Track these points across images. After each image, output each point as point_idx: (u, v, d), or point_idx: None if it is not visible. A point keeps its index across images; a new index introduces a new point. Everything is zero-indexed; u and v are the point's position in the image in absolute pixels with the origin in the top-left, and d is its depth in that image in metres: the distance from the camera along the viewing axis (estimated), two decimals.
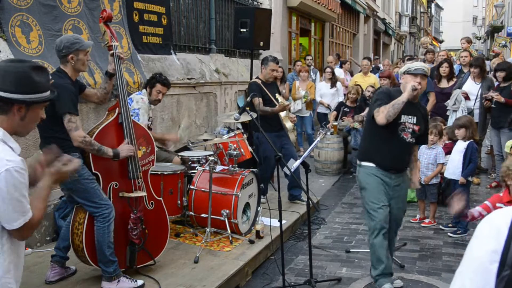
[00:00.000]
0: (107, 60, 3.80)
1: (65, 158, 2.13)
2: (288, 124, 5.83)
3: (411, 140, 3.73)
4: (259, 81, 5.79)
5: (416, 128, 3.73)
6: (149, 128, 4.60)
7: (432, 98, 7.14)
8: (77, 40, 3.43)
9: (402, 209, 3.98)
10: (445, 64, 7.50)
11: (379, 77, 7.81)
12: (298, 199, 5.94)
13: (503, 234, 1.17)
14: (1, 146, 1.92)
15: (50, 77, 3.39)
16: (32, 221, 1.97)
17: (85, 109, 4.82)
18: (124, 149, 3.55)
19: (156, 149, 4.04)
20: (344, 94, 8.87)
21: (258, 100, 5.45)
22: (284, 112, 5.87)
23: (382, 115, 3.56)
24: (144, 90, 4.72)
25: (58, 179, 2.12)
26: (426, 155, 5.53)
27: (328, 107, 8.88)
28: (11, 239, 1.98)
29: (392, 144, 3.69)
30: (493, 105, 6.72)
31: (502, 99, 6.52)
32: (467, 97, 7.10)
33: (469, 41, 9.11)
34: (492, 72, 9.80)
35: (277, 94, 5.78)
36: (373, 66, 11.10)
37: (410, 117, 3.71)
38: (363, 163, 3.83)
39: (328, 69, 9.23)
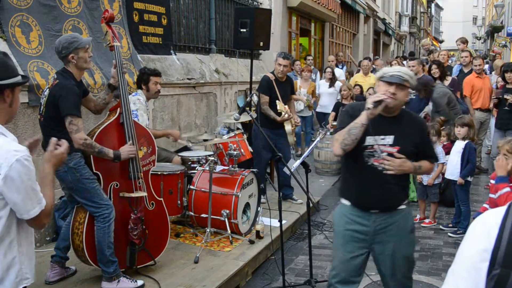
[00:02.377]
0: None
1: (52, 141, 2.16)
2: (287, 127, 5.78)
3: None
4: (273, 77, 5.69)
5: (394, 150, 2.73)
6: None
7: None
8: (75, 39, 3.41)
9: (399, 256, 2.82)
10: (434, 66, 7.44)
11: None
12: (289, 198, 5.94)
13: (493, 233, 1.17)
14: (3, 139, 1.94)
15: (56, 76, 3.41)
16: (47, 207, 2.01)
17: (84, 109, 4.79)
18: (125, 150, 3.53)
19: (156, 148, 4.04)
20: None
21: (263, 98, 5.42)
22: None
23: (336, 144, 2.76)
24: (139, 90, 4.68)
25: (56, 163, 2.15)
26: None
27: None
28: (21, 229, 2.00)
29: (361, 176, 2.81)
30: (506, 107, 6.76)
31: None
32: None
33: (464, 42, 9.09)
34: (494, 72, 9.76)
35: (277, 101, 5.66)
36: (373, 66, 11.08)
37: (382, 137, 2.75)
38: (341, 200, 2.99)
39: (329, 69, 9.26)
